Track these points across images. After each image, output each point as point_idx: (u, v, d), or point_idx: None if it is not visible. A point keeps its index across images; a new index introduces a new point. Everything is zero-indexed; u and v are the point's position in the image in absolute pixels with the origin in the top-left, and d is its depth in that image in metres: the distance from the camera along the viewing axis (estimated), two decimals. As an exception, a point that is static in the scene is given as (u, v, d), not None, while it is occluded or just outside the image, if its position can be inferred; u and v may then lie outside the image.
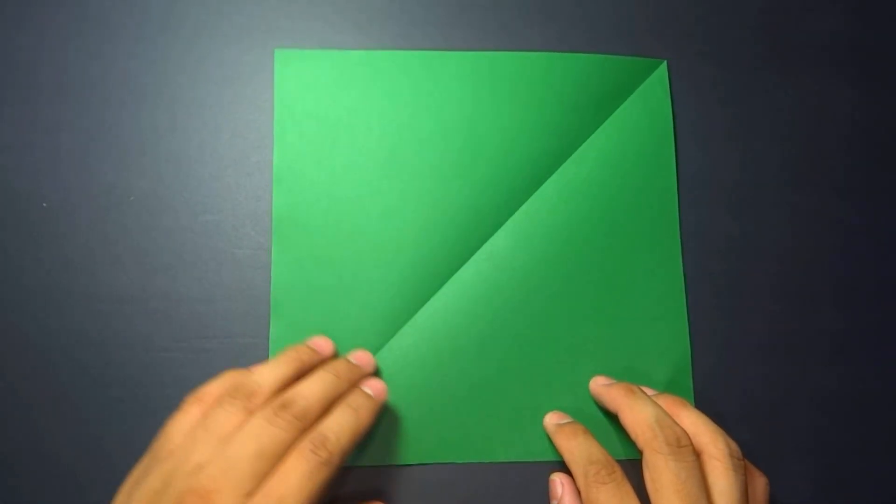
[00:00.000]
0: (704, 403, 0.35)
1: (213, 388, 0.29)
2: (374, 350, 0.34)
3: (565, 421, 0.33)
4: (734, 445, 0.29)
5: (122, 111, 0.37)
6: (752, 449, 0.31)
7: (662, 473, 0.28)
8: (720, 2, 0.40)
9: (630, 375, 0.34)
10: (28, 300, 0.35)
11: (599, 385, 0.34)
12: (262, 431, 0.26)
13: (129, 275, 0.35)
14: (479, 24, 0.38)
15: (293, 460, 0.26)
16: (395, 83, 0.37)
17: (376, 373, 0.34)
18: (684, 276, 0.36)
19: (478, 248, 0.36)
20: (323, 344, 0.33)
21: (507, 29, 0.38)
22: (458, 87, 0.37)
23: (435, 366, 0.34)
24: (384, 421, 0.33)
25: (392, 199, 0.36)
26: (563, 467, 0.32)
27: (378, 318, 0.35)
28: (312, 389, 0.29)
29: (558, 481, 0.32)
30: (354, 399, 0.30)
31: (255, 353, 0.34)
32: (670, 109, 0.37)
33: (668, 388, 0.35)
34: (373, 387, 0.31)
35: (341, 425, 0.28)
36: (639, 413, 0.30)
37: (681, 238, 0.36)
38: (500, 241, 0.35)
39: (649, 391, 0.33)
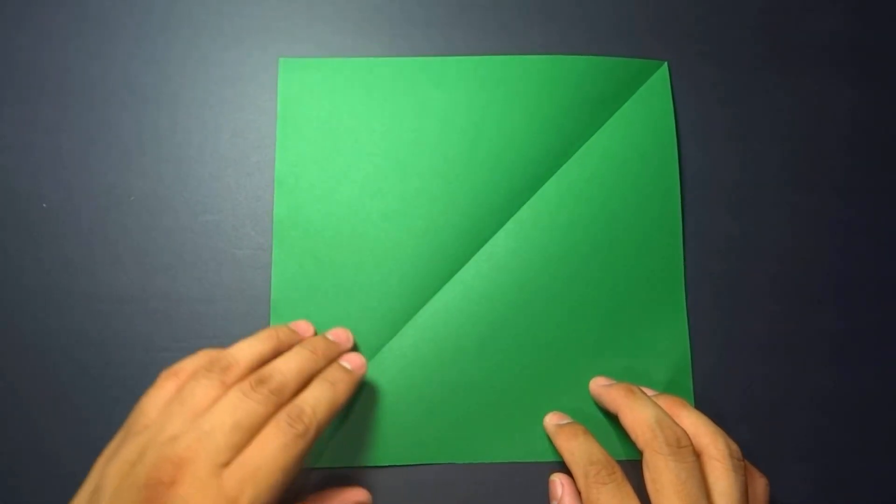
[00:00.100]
0: (704, 403, 0.35)
1: (189, 364, 0.29)
2: (375, 350, 0.34)
3: (565, 421, 0.33)
4: (734, 446, 0.29)
5: (122, 111, 0.37)
6: (752, 449, 0.31)
7: (662, 474, 0.28)
8: (720, 2, 0.40)
9: (630, 375, 0.34)
10: (28, 300, 0.35)
11: (599, 385, 0.34)
12: (238, 404, 0.26)
13: (129, 275, 0.35)
14: (480, 27, 0.38)
15: (269, 432, 0.26)
16: (396, 89, 0.37)
17: (374, 373, 0.34)
18: (685, 276, 0.36)
19: (478, 249, 0.36)
20: (304, 327, 0.33)
21: (508, 31, 0.38)
22: (460, 91, 0.37)
23: (435, 366, 0.34)
24: (385, 421, 0.33)
25: (393, 200, 0.36)
26: (563, 467, 0.32)
27: (378, 318, 0.35)
28: (289, 365, 0.29)
29: (558, 482, 0.32)
30: (332, 373, 0.30)
31: (255, 353, 0.34)
32: (672, 111, 0.37)
33: (668, 388, 0.35)
34: (351, 361, 0.31)
35: (318, 399, 0.28)
36: (639, 413, 0.30)
37: (682, 238, 0.36)
38: (500, 242, 0.35)
39: (649, 391, 0.33)
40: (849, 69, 0.39)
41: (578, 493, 0.30)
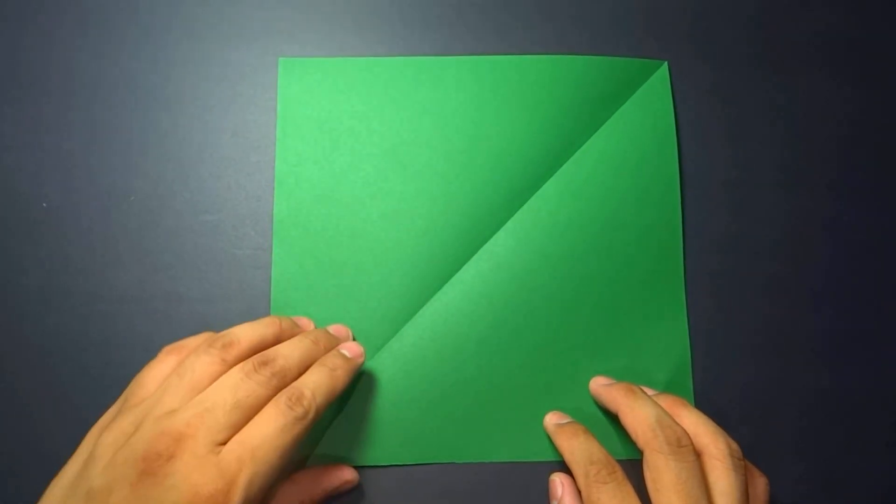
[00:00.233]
0: (704, 403, 0.35)
1: (191, 342, 0.29)
2: (374, 350, 0.34)
3: (565, 421, 0.33)
4: (735, 445, 0.29)
5: (122, 111, 0.37)
6: (752, 449, 0.31)
7: (663, 473, 0.28)
8: (717, 2, 0.40)
9: (630, 375, 0.34)
10: (28, 300, 0.35)
11: (599, 385, 0.34)
12: (240, 384, 0.26)
13: (130, 275, 0.35)
14: (480, 27, 0.38)
15: (268, 413, 0.26)
16: (395, 88, 0.37)
17: (374, 372, 0.34)
18: (685, 275, 0.36)
19: (478, 249, 0.36)
20: (305, 322, 0.33)
21: (508, 31, 0.38)
22: (459, 91, 0.37)
23: (435, 366, 0.34)
24: (384, 420, 0.33)
25: (393, 200, 0.36)
26: (563, 467, 0.32)
27: (378, 318, 0.35)
28: (292, 351, 0.29)
29: (558, 481, 0.32)
30: (331, 360, 0.30)
31: (255, 353, 0.34)
32: (672, 111, 0.37)
33: (668, 388, 0.35)
34: (350, 349, 0.31)
35: (317, 383, 0.28)
36: (639, 413, 0.30)
37: (682, 238, 0.36)
38: (500, 241, 0.35)
39: (649, 391, 0.33)
40: (846, 69, 0.39)
41: (579, 492, 0.30)
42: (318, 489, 0.31)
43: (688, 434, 0.29)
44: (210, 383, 0.26)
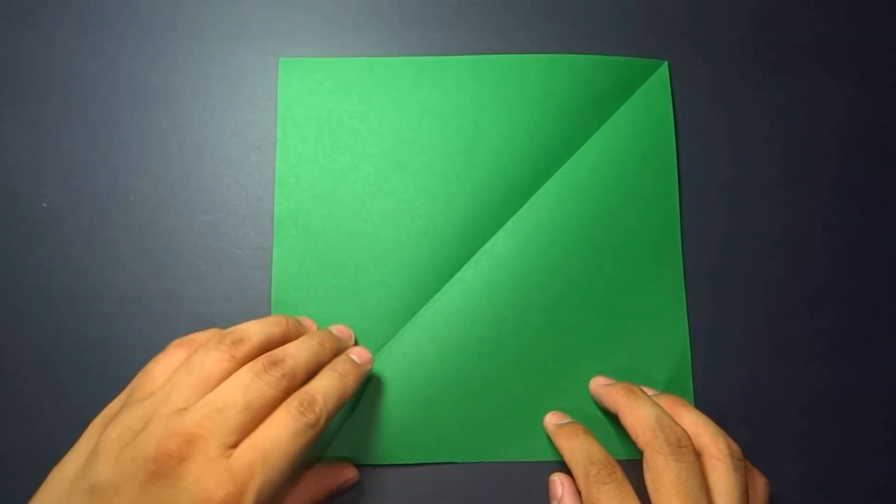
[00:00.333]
0: (704, 403, 0.35)
1: (200, 336, 0.29)
2: (375, 350, 0.34)
3: (565, 421, 0.33)
4: (735, 446, 0.29)
5: (122, 111, 0.37)
6: (752, 449, 0.31)
7: (663, 474, 0.28)
8: (718, 2, 0.40)
9: (630, 375, 0.34)
10: (28, 300, 0.35)
11: (600, 385, 0.34)
12: (250, 384, 0.26)
13: (130, 275, 0.35)
14: (480, 27, 0.38)
15: (280, 417, 0.26)
16: (395, 88, 0.37)
17: (374, 372, 0.34)
18: (684, 276, 0.36)
19: (478, 248, 0.36)
20: (308, 323, 0.33)
21: (508, 31, 0.38)
22: (459, 91, 0.37)
23: (435, 366, 0.34)
24: (385, 420, 0.33)
25: (393, 200, 0.36)
26: (562, 467, 0.32)
27: (378, 318, 0.35)
28: (300, 351, 0.28)
29: (558, 481, 0.32)
30: (342, 365, 0.30)
31: (255, 353, 0.34)
32: (671, 110, 0.37)
33: (668, 388, 0.35)
34: (359, 354, 0.31)
35: (328, 389, 0.28)
36: (639, 413, 0.30)
37: (681, 238, 0.36)
38: (500, 241, 0.35)
39: (649, 391, 0.33)
40: (846, 69, 0.39)
41: (578, 492, 0.30)
42: (319, 488, 0.31)
43: (688, 434, 0.29)
44: (219, 380, 0.26)
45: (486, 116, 0.37)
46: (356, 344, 0.34)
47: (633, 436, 0.30)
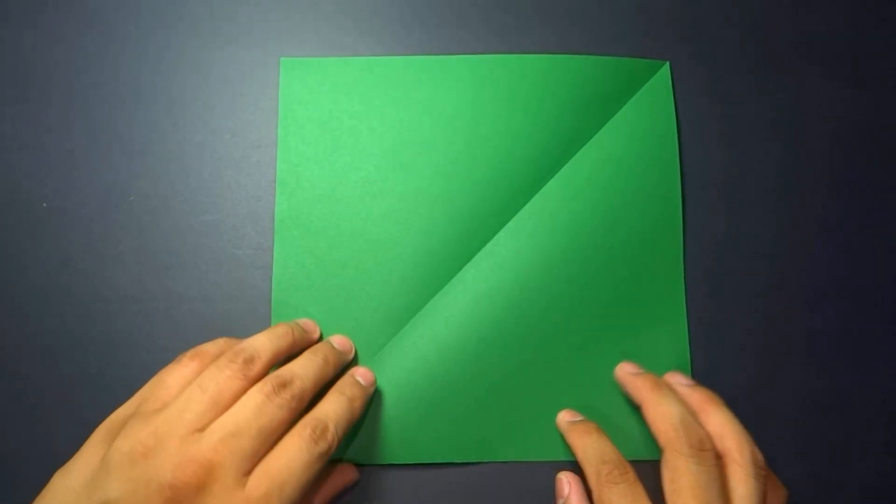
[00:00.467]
0: (704, 403, 0.35)
1: (211, 348, 0.29)
2: (376, 350, 0.34)
3: (578, 419, 0.33)
4: (759, 455, 0.29)
5: (122, 111, 0.37)
6: (751, 448, 0.31)
7: (682, 475, 0.27)
8: (717, 2, 0.40)
9: (630, 375, 0.34)
10: (28, 300, 0.35)
11: (627, 373, 0.33)
12: (262, 407, 0.26)
13: (129, 275, 0.35)
14: (480, 27, 0.39)
15: (294, 444, 0.26)
16: (396, 88, 0.37)
17: (375, 372, 0.34)
18: (685, 276, 0.36)
19: (479, 249, 0.36)
20: (311, 326, 0.33)
21: (508, 31, 0.38)
22: (460, 91, 0.37)
23: (435, 366, 0.34)
24: (385, 420, 0.33)
25: (394, 200, 0.36)
26: (564, 467, 0.32)
27: (379, 318, 0.35)
28: (306, 371, 0.29)
29: (565, 480, 0.32)
30: (350, 388, 0.30)
31: (255, 353, 0.34)
32: (673, 111, 0.37)
33: (669, 387, 0.35)
34: (363, 375, 0.32)
35: (339, 415, 0.28)
36: (664, 410, 0.29)
37: (682, 238, 0.36)
38: (501, 241, 0.36)
39: (685, 380, 0.32)
40: (845, 69, 0.39)
41: (585, 492, 0.30)
42: (320, 489, 0.31)
43: (711, 437, 0.28)
44: (231, 399, 0.26)
45: (487, 116, 0.37)
46: (354, 354, 0.34)
47: (655, 432, 0.29)
